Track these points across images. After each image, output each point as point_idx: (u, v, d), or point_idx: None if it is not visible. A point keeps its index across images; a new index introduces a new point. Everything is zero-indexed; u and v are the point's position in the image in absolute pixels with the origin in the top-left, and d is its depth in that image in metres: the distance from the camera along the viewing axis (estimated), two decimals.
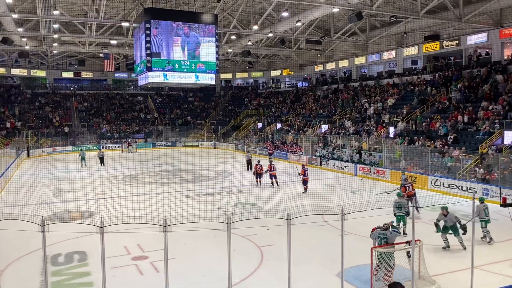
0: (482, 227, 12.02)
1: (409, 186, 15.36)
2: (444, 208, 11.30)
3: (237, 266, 8.56)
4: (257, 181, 21.39)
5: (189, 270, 9.89)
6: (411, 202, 14.10)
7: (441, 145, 22.12)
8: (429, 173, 20.36)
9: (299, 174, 19.46)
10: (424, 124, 25.32)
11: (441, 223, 11.43)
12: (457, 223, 11.22)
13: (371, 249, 8.76)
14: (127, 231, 8.13)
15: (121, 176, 24.66)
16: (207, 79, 24.09)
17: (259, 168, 21.54)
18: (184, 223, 7.10)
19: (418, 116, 26.36)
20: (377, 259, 8.77)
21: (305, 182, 19.25)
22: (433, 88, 28.55)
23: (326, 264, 10.10)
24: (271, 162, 21.96)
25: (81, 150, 32.69)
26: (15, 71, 45.99)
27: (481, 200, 12.27)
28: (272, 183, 21.09)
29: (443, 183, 19.00)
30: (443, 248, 11.34)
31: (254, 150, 36.50)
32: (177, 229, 6.92)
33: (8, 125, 39.13)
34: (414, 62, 34.70)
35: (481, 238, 12.05)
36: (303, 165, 20.18)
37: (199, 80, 23.76)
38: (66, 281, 9.45)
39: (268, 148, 33.91)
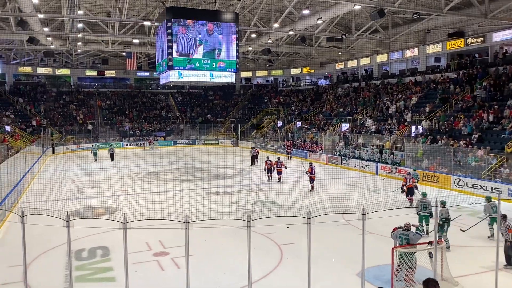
0: (488, 224, 12.13)
1: (410, 179, 16.44)
2: (441, 202, 11.23)
3: (257, 263, 8.59)
4: (268, 176, 22.40)
5: (209, 267, 9.97)
6: (410, 195, 16.03)
7: (465, 145, 21.68)
8: (452, 173, 19.99)
9: (306, 172, 19.77)
10: (446, 122, 24.86)
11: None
12: (445, 221, 11.24)
13: (392, 249, 8.66)
14: (149, 227, 8.25)
15: (143, 173, 25.00)
16: (221, 77, 24.34)
17: (268, 164, 22.48)
18: (204, 220, 7.17)
19: (442, 115, 25.89)
20: (398, 259, 8.67)
21: (311, 180, 19.47)
22: (457, 86, 27.99)
23: (346, 263, 10.04)
24: (278, 158, 22.87)
25: (92, 145, 34.32)
26: (40, 70, 47.09)
27: (489, 199, 12.43)
28: (279, 179, 21.97)
29: (466, 183, 18.64)
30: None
31: (273, 149, 36.53)
32: (197, 226, 7.00)
33: (34, 122, 40.12)
34: (438, 59, 34.06)
35: (488, 237, 12.07)
36: (310, 163, 20.47)
37: (213, 78, 24.07)
38: (89, 276, 9.65)
39: (287, 147, 33.86)
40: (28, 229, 7.22)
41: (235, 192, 19.14)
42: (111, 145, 34.93)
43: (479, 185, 18.03)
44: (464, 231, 11.80)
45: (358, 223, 7.48)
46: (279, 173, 22.02)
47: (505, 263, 9.80)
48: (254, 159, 28.59)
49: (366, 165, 25.36)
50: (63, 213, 6.95)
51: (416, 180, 17.44)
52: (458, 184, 18.97)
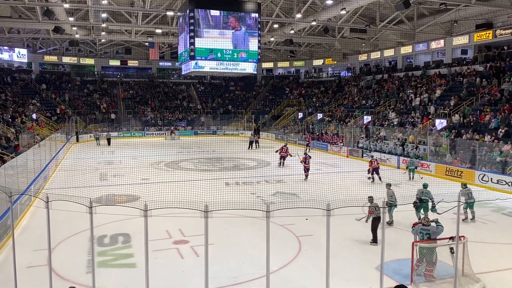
0: (464, 208, 12.79)
1: (375, 161, 19.79)
2: (388, 184, 12.63)
3: (275, 254, 8.61)
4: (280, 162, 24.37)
5: (228, 256, 10.05)
6: (376, 174, 19.39)
7: (490, 139, 21.16)
8: (476, 168, 19.55)
9: (301, 161, 20.41)
10: (472, 116, 24.26)
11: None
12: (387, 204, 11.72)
13: (413, 243, 8.56)
14: (169, 216, 8.35)
15: (164, 162, 25.28)
16: (242, 68, 24.68)
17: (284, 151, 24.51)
18: (224, 210, 7.21)
19: (467, 108, 25.29)
20: (419, 254, 8.57)
21: (305, 170, 20.10)
22: (484, 79, 27.25)
23: (365, 256, 9.97)
24: (285, 145, 25.00)
25: (95, 132, 38.30)
26: (65, 59, 47.98)
27: (464, 185, 13.12)
28: (282, 163, 24.09)
29: (491, 178, 18.20)
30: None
31: (294, 140, 36.40)
32: (217, 215, 7.04)
33: (58, 111, 40.96)
34: (464, 51, 33.17)
35: (463, 219, 12.55)
36: (305, 153, 21.41)
37: (229, 69, 24.51)
38: (110, 262, 9.85)
39: (306, 138, 33.72)
40: (53, 214, 7.39)
41: (254, 183, 19.17)
42: (108, 132, 38.19)
43: (504, 181, 17.58)
44: (358, 220, 11.96)
45: None
46: (282, 158, 23.94)
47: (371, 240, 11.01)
48: (251, 143, 32.97)
49: (387, 159, 25.03)
50: (86, 199, 7.09)
51: (414, 167, 20.31)
52: (482, 180, 18.55)
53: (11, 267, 7.73)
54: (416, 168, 20.62)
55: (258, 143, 33.48)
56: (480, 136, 21.92)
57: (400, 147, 24.98)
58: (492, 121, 22.85)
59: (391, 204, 11.98)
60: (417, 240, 8.84)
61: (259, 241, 10.05)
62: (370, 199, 11.31)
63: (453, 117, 25.48)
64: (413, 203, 12.48)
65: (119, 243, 11.08)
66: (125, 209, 7.84)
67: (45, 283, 7.36)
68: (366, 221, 11.50)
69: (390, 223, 12.39)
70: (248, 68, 24.88)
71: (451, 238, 8.41)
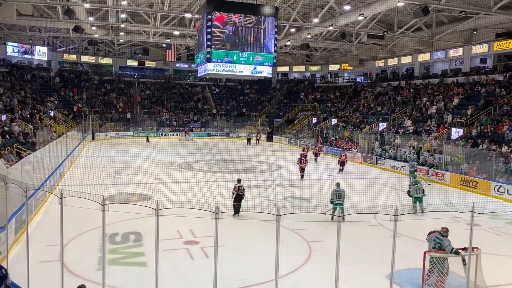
0: (412, 203, 14.67)
1: (344, 155, 24.32)
2: (336, 184, 13.64)
3: (284, 258, 8.59)
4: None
5: (237, 258, 10.05)
6: (342, 165, 23.65)
7: (508, 150, 20.78)
8: (492, 178, 19.23)
9: (297, 163, 21.93)
10: (489, 126, 23.88)
11: None
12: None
13: (424, 252, 8.45)
14: (181, 216, 8.39)
15: (177, 162, 25.44)
16: (234, 72, 25.27)
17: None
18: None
19: (485, 118, 24.90)
20: (430, 264, 8.45)
21: (301, 169, 21.44)
22: (503, 89, 26.81)
23: (375, 264, 9.87)
24: (306, 145, 28.73)
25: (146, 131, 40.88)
26: (84, 58, 48.70)
27: (416, 182, 15.18)
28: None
29: (507, 190, 17.88)
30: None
31: (307, 145, 36.26)
32: (227, 217, 7.06)
33: (75, 109, 41.54)
34: (483, 60, 32.71)
35: (413, 213, 13.89)
36: (305, 154, 23.54)
37: (225, 71, 24.80)
38: (121, 259, 9.94)
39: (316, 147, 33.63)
40: (66, 210, 7.49)
41: (266, 186, 19.15)
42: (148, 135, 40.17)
43: None
44: (324, 213, 12.77)
45: (390, 225, 7.32)
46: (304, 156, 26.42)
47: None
48: (249, 140, 37.85)
49: (401, 166, 24.77)
50: (100, 197, 7.17)
51: (414, 170, 20.86)
52: (498, 191, 18.24)
53: (24, 261, 7.85)
54: (416, 170, 21.07)
55: (258, 141, 38.84)
56: (497, 146, 21.56)
57: (415, 154, 24.70)
58: (508, 132, 22.44)
59: (331, 201, 13.23)
60: (430, 249, 8.71)
61: (268, 244, 10.03)
62: (238, 180, 13.76)
63: (470, 127, 25.11)
64: (407, 192, 15.10)
65: (131, 241, 11.17)
66: (138, 208, 7.90)
67: (57, 278, 7.45)
68: (232, 196, 13.11)
69: (332, 217, 13.21)
70: (245, 70, 24.72)
71: (464, 249, 8.28)
